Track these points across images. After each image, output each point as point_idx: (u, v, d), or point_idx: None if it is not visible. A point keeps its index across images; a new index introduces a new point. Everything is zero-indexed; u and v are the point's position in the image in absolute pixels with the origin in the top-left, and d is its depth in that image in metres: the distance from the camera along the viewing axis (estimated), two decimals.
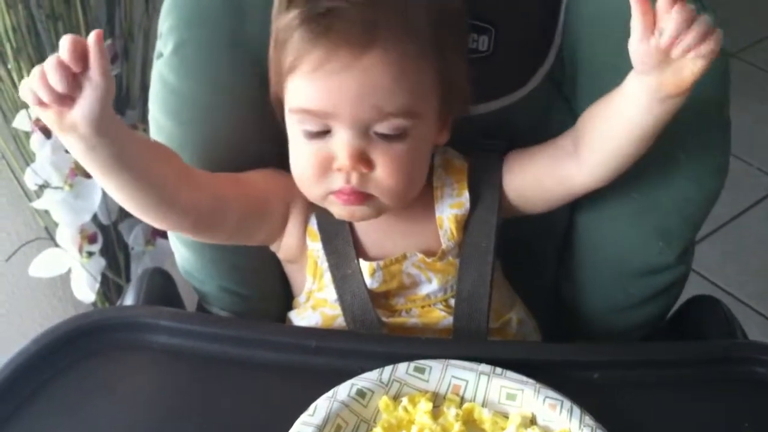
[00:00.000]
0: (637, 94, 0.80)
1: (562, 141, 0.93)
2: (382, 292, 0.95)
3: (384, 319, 0.94)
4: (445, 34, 0.84)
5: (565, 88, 1.00)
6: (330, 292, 0.96)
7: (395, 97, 0.81)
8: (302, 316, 0.98)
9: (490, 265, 0.94)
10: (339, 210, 0.89)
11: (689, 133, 0.91)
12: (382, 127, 0.82)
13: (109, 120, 0.76)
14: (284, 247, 0.98)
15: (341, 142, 0.83)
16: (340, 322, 0.95)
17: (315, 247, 0.96)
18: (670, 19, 0.72)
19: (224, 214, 0.91)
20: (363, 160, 0.83)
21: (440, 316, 0.95)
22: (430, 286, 0.95)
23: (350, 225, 0.95)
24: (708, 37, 0.72)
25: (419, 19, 0.81)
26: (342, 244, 0.95)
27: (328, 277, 0.95)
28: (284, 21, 0.82)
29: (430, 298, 0.96)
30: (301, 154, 0.87)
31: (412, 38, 0.81)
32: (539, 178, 0.94)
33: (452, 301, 0.96)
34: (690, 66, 0.74)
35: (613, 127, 0.85)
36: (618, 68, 0.91)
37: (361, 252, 0.95)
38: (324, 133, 0.83)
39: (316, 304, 0.97)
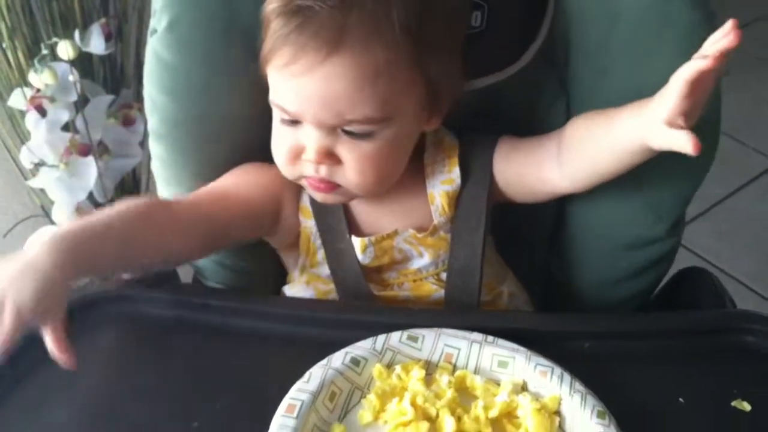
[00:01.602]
0: (632, 139, 0.80)
1: (548, 142, 0.93)
2: (375, 267, 0.96)
3: (376, 292, 0.95)
4: (428, 31, 0.82)
5: (557, 63, 1.00)
6: (323, 268, 0.97)
7: (357, 106, 0.81)
8: (296, 291, 0.99)
9: (481, 240, 0.95)
10: (312, 193, 0.91)
11: None
12: (348, 128, 0.83)
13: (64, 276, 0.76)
14: (280, 236, 0.99)
15: (309, 137, 0.84)
16: (333, 296, 0.96)
17: (308, 224, 0.97)
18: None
19: (218, 241, 0.94)
20: (329, 156, 0.84)
21: (432, 290, 0.96)
22: (422, 260, 0.96)
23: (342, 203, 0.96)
24: None
25: (395, 24, 0.79)
26: (334, 220, 0.96)
27: (321, 254, 0.96)
28: (268, 7, 0.83)
29: (421, 272, 0.97)
30: (278, 138, 0.88)
31: (381, 45, 0.79)
32: (522, 174, 0.95)
33: (444, 275, 0.97)
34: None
35: (600, 152, 0.86)
36: (610, 38, 0.92)
37: (353, 228, 0.96)
38: (296, 122, 0.85)
39: (310, 279, 0.98)
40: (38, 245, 0.76)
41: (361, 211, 0.96)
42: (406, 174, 0.93)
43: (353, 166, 0.85)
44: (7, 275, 0.73)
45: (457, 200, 0.96)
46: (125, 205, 0.85)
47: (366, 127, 0.83)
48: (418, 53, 0.82)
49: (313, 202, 0.96)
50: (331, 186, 0.87)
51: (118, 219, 0.83)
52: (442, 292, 0.96)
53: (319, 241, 0.96)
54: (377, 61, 0.79)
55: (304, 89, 0.81)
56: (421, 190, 0.96)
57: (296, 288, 0.99)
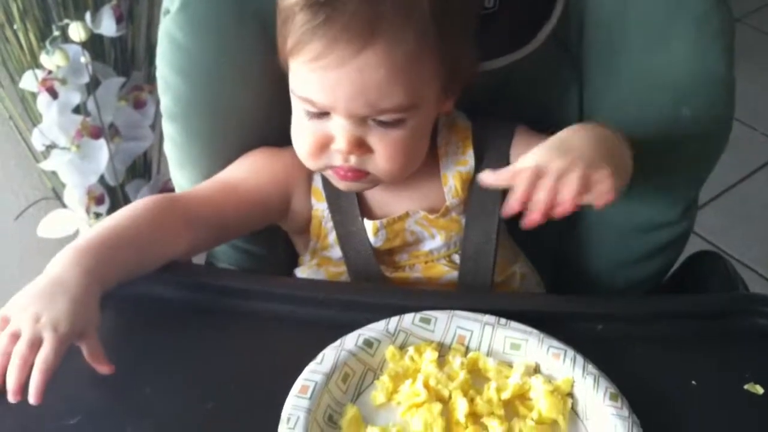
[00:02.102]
0: None
1: None
2: (386, 249, 0.96)
3: (387, 274, 0.95)
4: (450, 19, 0.83)
5: (570, 44, 1.00)
6: (334, 251, 0.97)
7: (390, 96, 0.81)
8: (307, 274, 0.99)
9: (496, 224, 0.95)
10: (335, 182, 0.91)
11: (694, 90, 0.92)
12: (380, 117, 0.83)
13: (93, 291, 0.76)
14: (291, 221, 0.99)
15: (340, 128, 0.84)
16: (344, 279, 0.96)
17: (320, 206, 0.97)
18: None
19: (230, 232, 0.96)
20: (360, 146, 0.84)
21: (443, 271, 0.96)
22: (434, 242, 0.96)
23: None
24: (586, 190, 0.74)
25: (422, 10, 0.80)
26: (346, 203, 0.96)
27: (332, 237, 0.97)
28: (287, 0, 0.82)
29: (433, 254, 0.97)
30: (302, 131, 0.88)
31: (414, 32, 0.80)
32: None
33: (455, 257, 0.97)
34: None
35: None
36: (624, 19, 0.92)
37: (365, 211, 0.96)
38: (324, 114, 0.84)
39: (321, 261, 0.98)
40: (60, 262, 0.77)
41: (374, 194, 0.97)
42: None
43: (385, 153, 0.85)
44: (36, 296, 0.74)
45: (470, 183, 0.96)
46: (135, 207, 0.86)
47: (398, 115, 0.83)
48: (443, 39, 0.82)
49: (325, 185, 0.96)
50: (360, 174, 0.88)
51: (131, 224, 0.84)
52: (453, 274, 0.96)
53: (330, 224, 0.96)
54: (410, 49, 0.79)
55: (337, 83, 0.80)
56: (433, 171, 0.96)
57: (307, 271, 0.99)
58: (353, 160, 0.86)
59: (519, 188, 0.75)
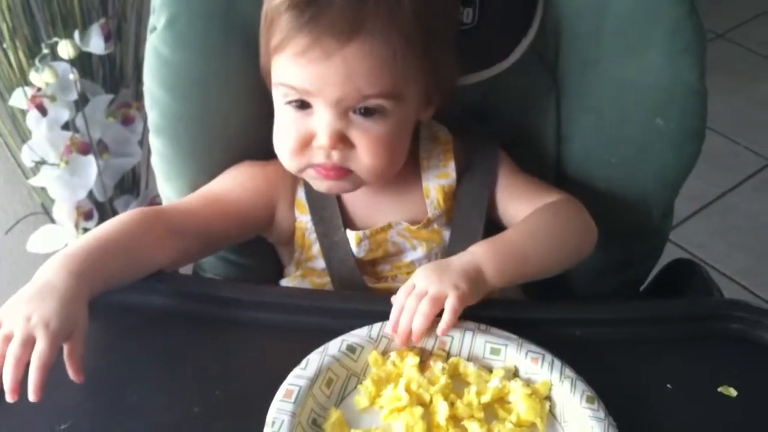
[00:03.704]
0: None
1: (541, 198, 0.96)
2: (369, 260, 0.97)
3: (370, 285, 0.96)
4: (433, 22, 0.85)
5: (547, 58, 1.02)
6: (318, 262, 0.98)
7: (375, 82, 0.82)
8: (292, 285, 1.00)
9: (479, 238, 0.95)
10: (317, 184, 0.91)
11: (668, 100, 0.94)
12: (363, 105, 0.84)
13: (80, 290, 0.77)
14: (275, 233, 1.00)
15: (322, 122, 0.84)
16: (328, 289, 0.97)
17: (303, 219, 0.98)
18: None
19: (216, 244, 0.97)
20: (342, 140, 0.85)
21: None
22: (415, 253, 0.97)
23: (338, 196, 0.97)
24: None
25: (405, 12, 0.82)
26: (329, 214, 0.97)
27: (316, 248, 0.98)
28: (273, 2, 0.84)
29: (415, 265, 0.98)
30: (284, 128, 0.88)
31: (397, 31, 0.82)
32: (515, 209, 0.98)
33: None
34: None
35: None
36: (599, 37, 0.94)
37: (348, 222, 0.97)
38: (306, 106, 0.85)
39: (305, 273, 0.99)
40: (49, 268, 0.78)
41: (356, 204, 0.98)
42: (401, 167, 0.95)
43: (367, 148, 0.86)
44: (26, 299, 0.75)
45: (452, 196, 0.97)
46: (122, 218, 0.87)
47: (381, 101, 0.84)
48: (424, 41, 0.84)
49: (308, 196, 0.97)
50: (342, 172, 0.88)
51: (118, 233, 0.85)
52: None
53: (314, 236, 0.97)
54: (393, 46, 0.81)
55: (323, 72, 0.82)
56: (415, 183, 0.97)
57: (292, 282, 1.00)
58: (335, 156, 0.86)
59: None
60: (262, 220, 0.98)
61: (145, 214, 0.89)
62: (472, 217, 0.97)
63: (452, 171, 0.97)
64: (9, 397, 0.71)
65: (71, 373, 0.75)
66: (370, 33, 0.80)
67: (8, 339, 0.72)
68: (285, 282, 1.02)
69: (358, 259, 0.96)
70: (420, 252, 0.97)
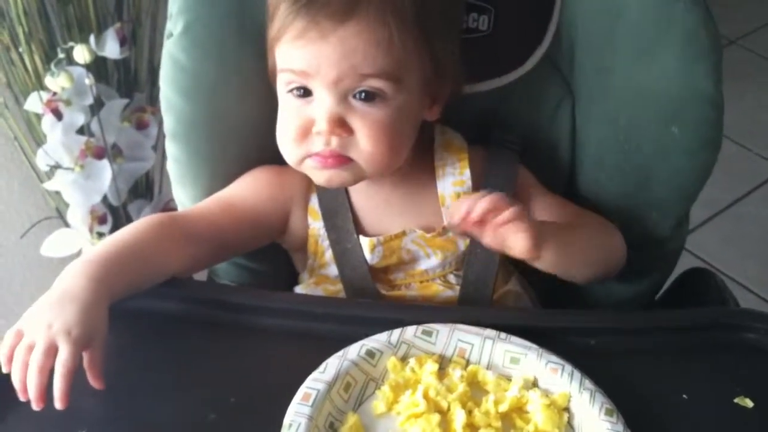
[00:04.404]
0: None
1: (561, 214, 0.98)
2: (382, 267, 0.97)
3: (383, 292, 0.96)
4: (429, 15, 0.85)
5: (563, 66, 1.02)
6: (331, 269, 0.98)
7: (372, 61, 0.82)
8: (305, 292, 1.00)
9: (497, 255, 0.95)
10: (317, 175, 0.90)
11: (683, 108, 0.93)
12: (362, 88, 0.84)
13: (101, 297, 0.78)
14: (289, 240, 1.00)
15: (321, 107, 0.84)
16: (341, 297, 0.97)
17: (316, 225, 0.98)
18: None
19: (230, 250, 0.97)
20: (341, 125, 0.84)
21: (438, 290, 0.97)
22: (429, 261, 0.97)
23: (350, 202, 0.97)
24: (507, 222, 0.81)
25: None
26: (342, 220, 0.97)
27: (329, 255, 0.98)
28: None
29: (428, 274, 0.98)
30: (286, 117, 0.89)
31: (394, 12, 0.82)
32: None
33: (450, 277, 0.98)
34: (512, 240, 0.81)
35: None
36: (614, 44, 0.94)
37: (361, 229, 0.97)
38: (307, 94, 0.86)
39: (318, 280, 0.99)
40: (69, 275, 0.78)
41: (368, 211, 0.97)
42: (414, 174, 0.95)
43: (366, 134, 0.85)
44: (47, 307, 0.75)
45: None
46: (138, 224, 0.88)
47: (380, 82, 0.83)
48: (423, 29, 0.84)
49: (321, 203, 0.97)
50: (341, 160, 0.87)
51: (136, 240, 0.86)
52: (449, 293, 0.96)
53: (327, 242, 0.97)
54: (390, 28, 0.82)
55: (320, 52, 0.82)
56: (429, 191, 0.97)
57: (306, 289, 1.00)
58: (334, 142, 0.85)
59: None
60: (276, 227, 0.98)
61: (162, 221, 0.89)
62: None
63: (468, 179, 0.97)
64: (35, 405, 0.71)
65: (91, 380, 0.75)
66: (365, 13, 0.81)
67: (31, 348, 0.73)
68: (299, 289, 1.02)
69: (370, 266, 0.96)
70: (434, 260, 0.97)
